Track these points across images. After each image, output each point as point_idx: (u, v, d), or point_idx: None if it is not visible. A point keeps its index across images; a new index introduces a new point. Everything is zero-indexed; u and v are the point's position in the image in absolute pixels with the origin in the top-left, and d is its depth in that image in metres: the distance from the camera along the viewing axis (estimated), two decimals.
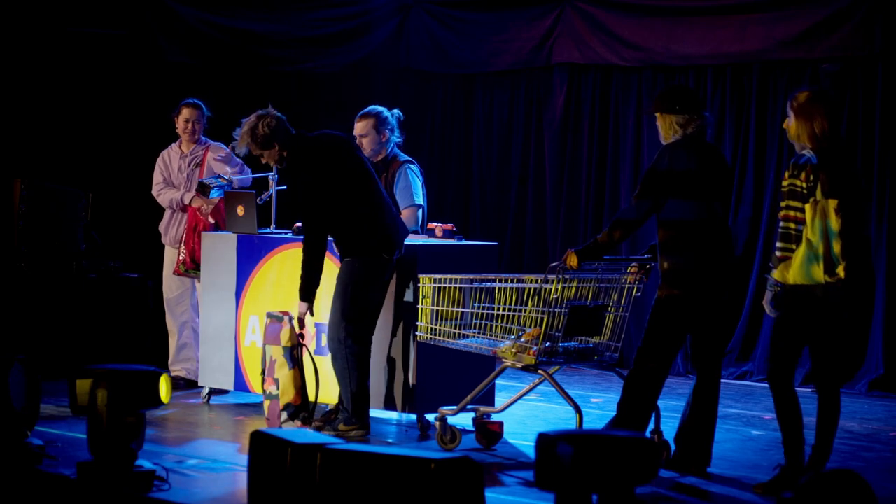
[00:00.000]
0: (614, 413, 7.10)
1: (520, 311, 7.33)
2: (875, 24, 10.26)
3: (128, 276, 10.31)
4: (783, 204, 6.63)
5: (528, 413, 8.81)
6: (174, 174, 9.58)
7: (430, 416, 7.76)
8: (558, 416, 8.81)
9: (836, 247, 6.54)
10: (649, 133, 11.32)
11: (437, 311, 7.69)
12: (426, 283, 7.73)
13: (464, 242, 8.48)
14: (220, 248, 8.91)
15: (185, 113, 9.58)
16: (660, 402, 7.16)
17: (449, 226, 8.52)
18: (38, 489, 6.50)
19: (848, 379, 10.23)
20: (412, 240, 8.30)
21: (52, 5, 10.94)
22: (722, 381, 7.24)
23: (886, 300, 10.30)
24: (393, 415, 8.51)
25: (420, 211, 8.69)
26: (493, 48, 12.30)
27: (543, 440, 4.82)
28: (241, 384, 8.80)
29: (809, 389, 7.03)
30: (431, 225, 8.55)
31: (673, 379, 10.60)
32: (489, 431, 7.71)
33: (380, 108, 8.68)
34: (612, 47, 11.58)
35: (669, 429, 7.36)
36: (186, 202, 9.42)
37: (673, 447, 7.16)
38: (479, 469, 4.89)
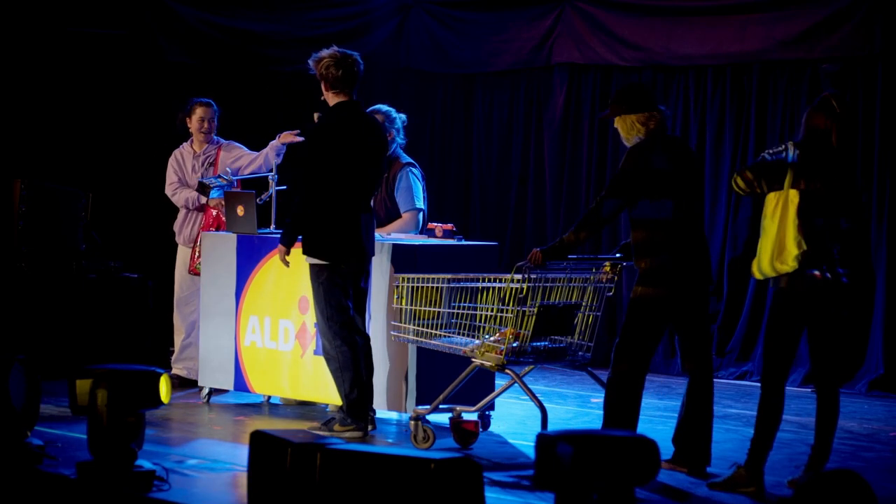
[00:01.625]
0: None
1: (490, 310, 7.32)
2: (875, 24, 10.26)
3: (128, 276, 10.29)
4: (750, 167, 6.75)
5: (527, 413, 8.81)
6: (188, 174, 9.55)
7: (430, 417, 7.75)
8: (558, 417, 8.81)
9: (791, 236, 6.56)
10: None
11: (411, 310, 7.69)
12: (401, 282, 7.72)
13: (464, 242, 8.48)
14: (220, 248, 8.90)
15: (200, 111, 9.55)
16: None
17: (449, 226, 8.51)
18: (38, 489, 6.50)
19: (848, 379, 10.23)
20: (412, 240, 8.30)
21: (52, 5, 10.94)
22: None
23: (886, 300, 10.29)
24: (393, 415, 8.51)
25: (420, 214, 8.70)
26: (493, 48, 12.30)
27: (543, 440, 4.82)
28: (241, 384, 8.79)
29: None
30: (431, 225, 8.55)
31: (673, 379, 10.60)
32: (464, 431, 7.69)
33: (388, 108, 8.74)
34: (612, 47, 11.58)
35: (668, 429, 7.35)
36: (203, 202, 9.41)
37: (672, 447, 7.16)
38: (479, 469, 4.89)
